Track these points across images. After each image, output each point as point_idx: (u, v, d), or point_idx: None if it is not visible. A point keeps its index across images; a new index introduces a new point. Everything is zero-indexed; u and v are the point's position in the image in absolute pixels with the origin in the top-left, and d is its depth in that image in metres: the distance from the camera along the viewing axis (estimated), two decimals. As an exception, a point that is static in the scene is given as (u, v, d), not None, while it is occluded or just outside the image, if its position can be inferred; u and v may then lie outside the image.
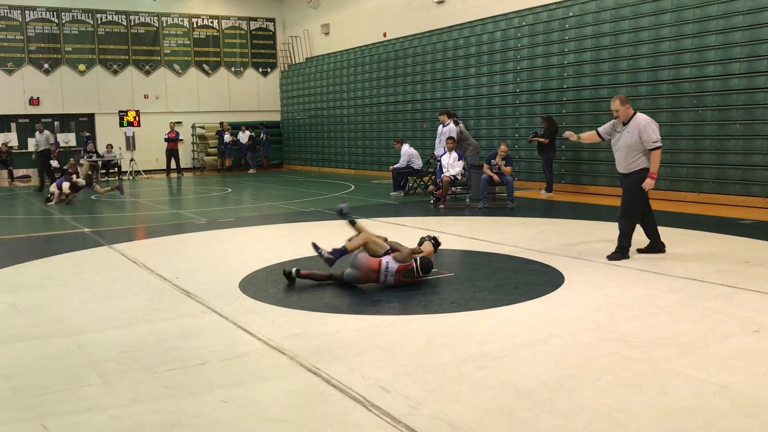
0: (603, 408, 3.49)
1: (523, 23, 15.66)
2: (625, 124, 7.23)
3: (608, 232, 9.02)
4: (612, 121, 7.47)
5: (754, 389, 3.68)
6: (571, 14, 14.46)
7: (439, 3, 19.02)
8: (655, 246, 7.42)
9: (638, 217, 7.36)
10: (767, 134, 11.05)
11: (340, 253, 6.52)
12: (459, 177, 13.00)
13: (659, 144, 7.12)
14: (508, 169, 12.04)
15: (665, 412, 3.42)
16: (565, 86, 14.42)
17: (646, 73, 12.78)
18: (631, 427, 3.28)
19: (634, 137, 7.10)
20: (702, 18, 11.92)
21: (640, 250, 7.46)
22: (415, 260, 6.32)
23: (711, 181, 11.88)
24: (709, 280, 6.14)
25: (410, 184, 15.21)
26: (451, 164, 12.94)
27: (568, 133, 8.05)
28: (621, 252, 7.24)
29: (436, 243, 6.94)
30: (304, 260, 7.67)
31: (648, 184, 7.14)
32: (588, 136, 7.86)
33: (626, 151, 7.19)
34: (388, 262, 6.30)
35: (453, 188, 13.05)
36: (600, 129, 7.62)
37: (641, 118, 7.19)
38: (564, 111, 14.44)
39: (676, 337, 4.60)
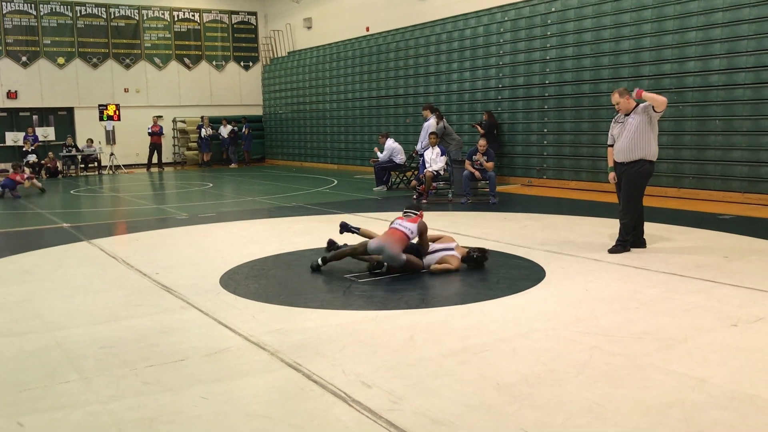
0: (583, 402, 3.51)
1: (506, 18, 15.69)
2: (626, 115, 7.34)
3: (589, 227, 9.09)
4: (614, 120, 7.57)
5: (731, 382, 3.72)
6: (553, 9, 14.51)
7: (421, -2, 19.00)
8: (637, 242, 7.47)
9: (638, 210, 7.37)
10: (746, 130, 11.17)
11: (353, 229, 7.36)
12: (442, 172, 13.02)
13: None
14: (490, 164, 12.07)
15: (645, 406, 3.45)
16: (547, 81, 14.47)
17: (628, 69, 12.86)
18: (611, 420, 3.30)
19: (640, 117, 7.16)
20: (683, 14, 12.01)
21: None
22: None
23: (691, 177, 11.99)
24: (688, 275, 6.19)
25: (393, 179, 15.20)
26: (434, 159, 12.96)
27: (611, 177, 7.66)
28: (622, 245, 7.28)
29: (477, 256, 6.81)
30: (285, 255, 7.65)
31: (638, 91, 7.15)
32: (610, 159, 7.62)
33: (630, 137, 7.20)
34: (399, 222, 6.69)
35: (435, 183, 13.06)
36: (608, 142, 7.63)
37: (642, 104, 7.35)
38: (546, 106, 14.50)
39: (656, 331, 4.64)
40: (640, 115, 7.20)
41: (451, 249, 6.76)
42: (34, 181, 15.78)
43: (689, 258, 6.91)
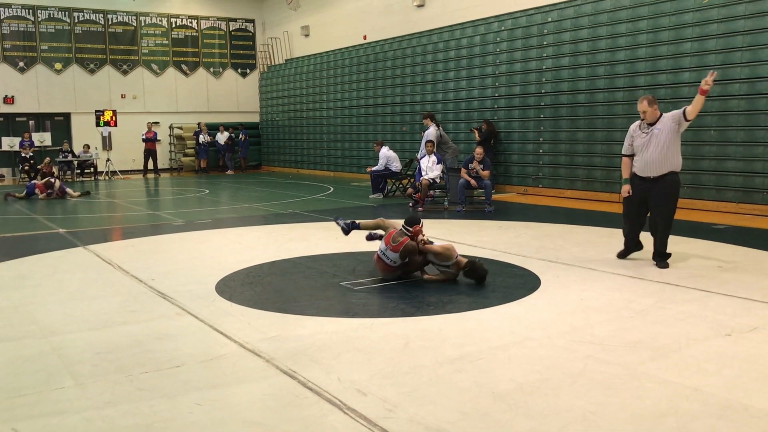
0: (578, 410, 3.52)
1: (502, 28, 15.76)
2: (651, 125, 6.91)
3: (585, 235, 9.11)
4: (631, 129, 7.10)
5: (725, 392, 3.74)
6: (549, 20, 14.58)
7: (419, 6, 19.07)
8: (636, 245, 7.32)
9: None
10: (740, 141, 11.23)
11: (352, 225, 7.31)
12: (438, 180, 13.05)
13: None
14: (486, 173, 12.10)
15: (639, 415, 3.46)
16: (543, 91, 14.53)
17: (623, 79, 12.92)
18: (606, 429, 3.31)
19: (670, 129, 6.78)
20: (678, 25, 12.09)
21: (620, 256, 7.44)
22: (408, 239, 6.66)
23: (686, 186, 12.00)
24: (683, 284, 6.21)
25: (389, 187, 15.23)
26: (430, 167, 12.99)
27: (625, 190, 7.19)
28: (666, 257, 7.00)
29: (469, 268, 6.58)
30: (281, 262, 7.65)
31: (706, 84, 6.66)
32: (627, 170, 7.15)
33: (660, 150, 6.79)
34: (383, 251, 6.66)
35: (432, 191, 13.09)
36: (625, 152, 7.13)
37: (667, 113, 6.98)
38: (542, 115, 14.55)
39: (651, 340, 4.66)
40: (669, 125, 6.80)
41: (447, 268, 6.67)
42: (69, 191, 16.02)
43: (683, 268, 6.93)
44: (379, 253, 6.70)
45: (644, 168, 6.94)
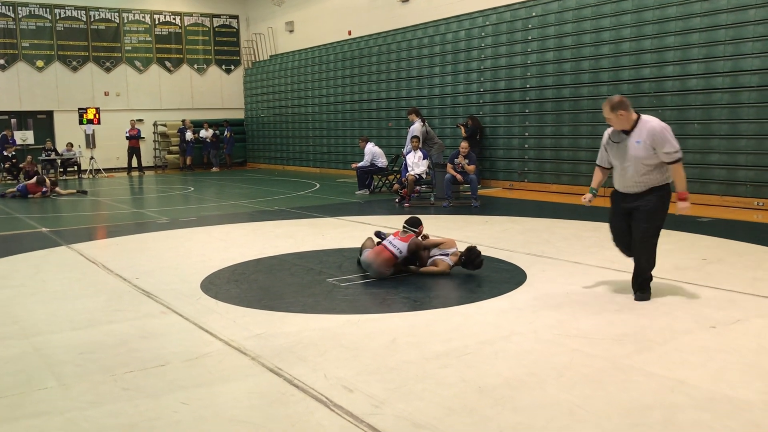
0: (564, 404, 3.53)
1: (487, 23, 15.77)
2: (627, 132, 5.46)
3: (570, 230, 9.15)
4: (604, 137, 5.69)
5: (710, 384, 3.76)
6: (533, 14, 14.60)
7: (403, 2, 19.04)
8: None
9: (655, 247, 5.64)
10: (724, 134, 11.31)
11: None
12: (424, 176, 13.05)
13: (680, 155, 5.45)
14: (472, 167, 12.11)
15: (625, 408, 3.47)
16: (528, 86, 14.55)
17: (608, 73, 12.97)
18: (592, 422, 3.32)
19: (648, 149, 5.36)
20: (662, 19, 12.14)
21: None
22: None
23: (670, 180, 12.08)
24: (667, 278, 6.24)
25: (375, 183, 15.21)
26: (416, 163, 12.99)
27: (587, 198, 5.83)
28: (648, 285, 5.67)
29: (467, 257, 6.62)
30: (267, 260, 7.62)
31: (685, 207, 5.66)
32: (598, 182, 5.89)
33: (636, 165, 5.42)
34: (390, 240, 6.68)
35: (418, 187, 13.09)
36: (599, 162, 5.82)
37: (653, 122, 5.40)
38: (527, 110, 14.58)
39: (636, 333, 4.67)
40: (645, 144, 5.36)
41: (446, 255, 6.75)
42: (57, 189, 15.92)
43: (668, 260, 6.94)
44: (385, 242, 6.71)
45: (620, 182, 5.64)
